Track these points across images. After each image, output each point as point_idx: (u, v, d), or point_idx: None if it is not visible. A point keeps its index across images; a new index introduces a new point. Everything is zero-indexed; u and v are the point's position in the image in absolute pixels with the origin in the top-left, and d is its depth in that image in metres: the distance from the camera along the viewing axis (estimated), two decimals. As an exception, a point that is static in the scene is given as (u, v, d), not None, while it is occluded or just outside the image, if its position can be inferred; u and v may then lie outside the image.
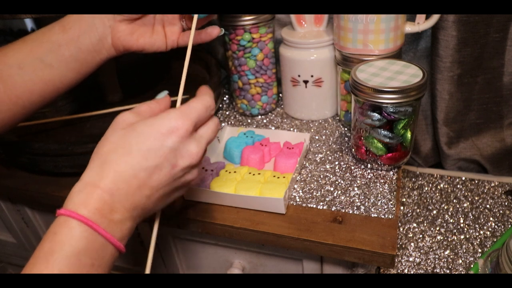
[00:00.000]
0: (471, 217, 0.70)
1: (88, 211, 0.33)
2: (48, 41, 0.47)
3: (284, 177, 0.56)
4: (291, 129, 0.71)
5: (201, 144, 0.38)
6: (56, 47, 0.47)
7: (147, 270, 0.39)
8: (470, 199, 0.73)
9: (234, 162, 0.63)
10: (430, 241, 0.67)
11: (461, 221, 0.70)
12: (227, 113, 0.78)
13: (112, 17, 0.48)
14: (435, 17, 0.60)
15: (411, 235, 0.68)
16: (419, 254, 0.65)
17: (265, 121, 0.75)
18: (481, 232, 0.67)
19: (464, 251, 0.65)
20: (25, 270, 0.32)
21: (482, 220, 0.69)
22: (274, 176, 0.57)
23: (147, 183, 0.36)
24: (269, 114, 0.77)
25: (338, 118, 0.73)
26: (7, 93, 0.46)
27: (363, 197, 0.55)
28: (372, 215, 0.52)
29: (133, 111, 0.39)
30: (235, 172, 0.58)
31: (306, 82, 0.69)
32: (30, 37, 0.48)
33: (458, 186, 0.77)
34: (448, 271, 0.62)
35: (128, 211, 0.36)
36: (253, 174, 0.58)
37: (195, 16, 0.43)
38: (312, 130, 0.71)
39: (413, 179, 0.80)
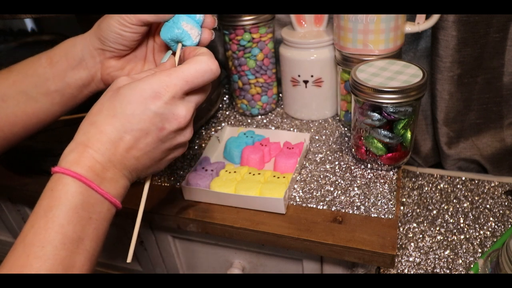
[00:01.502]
0: (471, 217, 0.70)
1: (81, 169, 0.34)
2: (33, 74, 0.46)
3: (284, 177, 0.56)
4: (291, 129, 0.71)
5: (189, 108, 0.38)
6: (42, 81, 0.46)
7: (133, 241, 0.39)
8: (470, 199, 0.73)
9: (234, 162, 0.63)
10: (430, 241, 0.67)
11: (461, 221, 0.70)
12: (227, 113, 0.78)
13: (102, 53, 0.46)
14: (435, 17, 0.60)
15: (411, 235, 0.68)
16: (419, 254, 0.65)
17: (265, 121, 0.75)
18: (481, 232, 0.67)
19: (464, 251, 0.65)
20: (25, 228, 0.33)
21: (482, 220, 0.69)
22: (274, 176, 0.57)
23: (134, 146, 0.36)
24: (269, 114, 0.77)
25: (338, 118, 0.73)
26: None
27: (363, 197, 0.55)
28: (372, 215, 0.52)
29: (131, 75, 0.39)
30: (235, 172, 0.58)
31: (306, 82, 0.69)
32: (15, 67, 0.47)
33: (458, 186, 0.77)
34: (448, 271, 0.62)
35: (120, 171, 0.36)
36: (253, 174, 0.58)
37: (179, 45, 0.43)
38: (312, 130, 0.71)
39: (413, 179, 0.80)
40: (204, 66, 0.38)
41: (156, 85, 0.36)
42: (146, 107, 0.35)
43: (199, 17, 0.42)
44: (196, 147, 0.69)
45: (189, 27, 0.41)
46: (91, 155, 0.35)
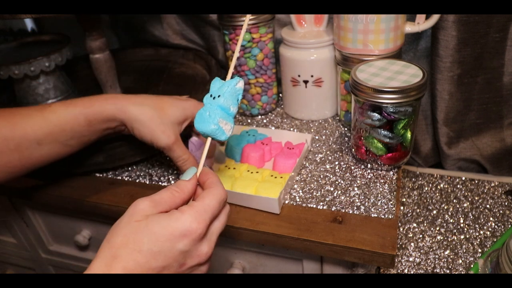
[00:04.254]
0: (471, 217, 0.70)
1: None
2: (71, 130, 0.50)
3: (281, 177, 0.56)
4: (291, 129, 0.71)
5: (212, 241, 0.38)
6: (79, 136, 0.52)
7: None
8: (470, 199, 0.73)
9: (235, 159, 0.64)
10: (430, 241, 0.67)
11: (461, 221, 0.70)
12: (227, 113, 0.78)
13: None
14: (435, 17, 0.60)
15: (411, 235, 0.68)
16: (419, 254, 0.65)
17: (265, 121, 0.75)
18: (481, 232, 0.67)
19: (464, 251, 0.65)
20: None
21: (482, 220, 0.69)
22: (272, 176, 0.57)
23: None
24: (269, 114, 0.77)
25: (338, 118, 0.73)
26: (22, 162, 0.49)
27: (363, 197, 0.55)
28: (372, 215, 0.52)
29: (153, 199, 0.37)
30: (234, 168, 0.59)
31: (306, 82, 0.69)
32: (50, 118, 0.50)
33: (458, 186, 0.76)
34: (448, 271, 0.62)
35: None
36: (251, 172, 0.58)
37: (208, 140, 0.43)
38: (312, 130, 0.71)
39: (413, 179, 0.80)
40: (223, 196, 0.39)
41: (188, 224, 0.35)
42: (174, 245, 0.35)
43: (232, 110, 0.42)
44: (196, 147, 0.69)
45: (224, 123, 0.42)
46: None
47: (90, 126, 0.51)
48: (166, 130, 0.52)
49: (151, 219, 0.35)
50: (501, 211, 0.70)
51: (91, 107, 0.51)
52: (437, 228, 0.69)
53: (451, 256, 0.64)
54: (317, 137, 0.68)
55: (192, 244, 0.36)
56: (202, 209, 0.37)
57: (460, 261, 0.63)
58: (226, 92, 0.41)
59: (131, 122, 0.52)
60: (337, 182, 0.58)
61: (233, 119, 0.43)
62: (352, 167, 0.61)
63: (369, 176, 0.59)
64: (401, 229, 0.70)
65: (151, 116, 0.51)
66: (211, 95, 0.42)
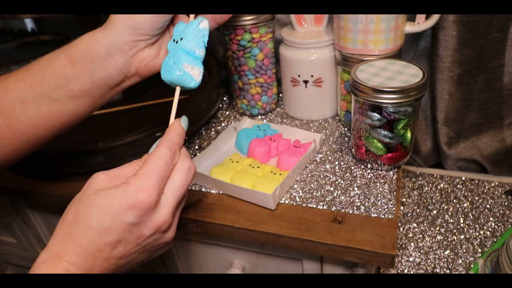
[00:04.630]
0: (471, 217, 0.70)
1: None
2: (52, 75, 0.42)
3: (280, 174, 0.57)
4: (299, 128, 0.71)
5: (168, 206, 0.37)
6: (64, 83, 0.42)
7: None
8: (470, 199, 0.73)
9: (242, 152, 0.65)
10: (430, 241, 0.67)
11: (461, 221, 0.70)
12: (227, 113, 0.78)
13: (135, 44, 0.42)
14: (435, 17, 0.60)
15: (411, 235, 0.68)
16: (419, 254, 0.65)
17: (265, 121, 0.75)
18: (481, 232, 0.67)
19: (464, 251, 0.65)
20: None
21: (482, 220, 0.69)
22: (272, 172, 0.58)
23: (112, 255, 0.35)
24: (269, 114, 0.77)
25: (338, 118, 0.73)
26: (10, 128, 0.43)
27: (363, 197, 0.55)
28: (372, 215, 0.52)
29: (110, 173, 0.37)
30: (237, 162, 0.60)
31: (306, 82, 0.69)
32: (32, 68, 0.43)
33: (458, 186, 0.76)
34: (448, 271, 0.62)
35: (100, 272, 0.35)
36: (253, 167, 0.59)
37: (177, 91, 0.40)
38: (312, 130, 0.71)
39: (413, 179, 0.80)
40: (168, 154, 0.37)
41: (133, 195, 0.34)
42: (124, 219, 0.34)
43: (198, 52, 0.39)
44: (196, 147, 0.69)
45: (190, 68, 0.39)
46: (66, 268, 0.33)
47: (72, 65, 0.42)
48: None
49: (98, 194, 0.35)
50: (501, 211, 0.70)
51: (73, 44, 0.43)
52: (437, 228, 0.69)
53: (451, 256, 0.64)
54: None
55: (143, 215, 0.35)
56: (146, 175, 0.35)
57: (460, 261, 0.63)
58: (188, 33, 0.38)
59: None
60: (337, 182, 0.58)
61: (201, 63, 0.39)
62: (352, 167, 0.61)
63: (369, 176, 0.59)
64: (401, 229, 0.70)
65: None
66: (174, 40, 0.39)
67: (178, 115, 0.43)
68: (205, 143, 0.70)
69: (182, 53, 0.38)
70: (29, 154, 0.47)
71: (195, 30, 0.38)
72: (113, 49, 0.42)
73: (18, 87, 0.42)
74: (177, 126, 0.40)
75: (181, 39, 0.38)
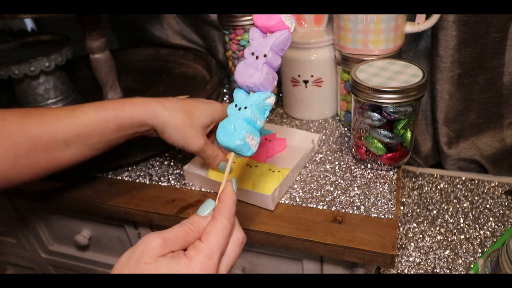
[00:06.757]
0: (471, 217, 0.70)
1: None
2: (100, 133, 0.50)
3: (279, 171, 0.57)
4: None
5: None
6: (107, 140, 0.51)
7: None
8: (470, 199, 0.73)
9: None
10: (430, 241, 0.67)
11: (461, 221, 0.70)
12: (227, 113, 0.78)
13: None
14: (435, 17, 0.60)
15: (411, 235, 0.68)
16: (419, 254, 0.65)
17: (265, 121, 0.75)
18: (481, 232, 0.67)
19: (464, 251, 0.65)
20: None
21: (482, 220, 0.69)
22: (270, 170, 0.57)
23: None
24: (269, 114, 0.77)
25: (338, 118, 0.73)
26: (48, 163, 0.49)
27: (363, 197, 0.55)
28: (372, 215, 0.52)
29: (165, 237, 0.36)
30: (234, 162, 0.60)
31: (306, 82, 0.69)
32: (80, 118, 0.49)
33: (458, 186, 0.76)
34: (448, 271, 0.62)
35: None
36: (250, 166, 0.59)
37: (232, 156, 0.40)
38: (312, 130, 0.71)
39: (413, 179, 0.80)
40: (228, 227, 0.38)
41: (197, 272, 0.35)
42: None
43: (259, 123, 0.39)
44: (196, 147, 0.69)
45: (250, 138, 0.39)
46: None
47: (119, 130, 0.50)
48: (197, 134, 0.52)
49: (160, 263, 0.34)
50: (501, 211, 0.70)
51: (122, 111, 0.50)
52: (437, 228, 0.69)
53: (451, 256, 0.64)
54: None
55: None
56: (209, 251, 0.35)
57: (460, 261, 0.63)
58: (253, 104, 0.38)
59: (162, 127, 0.51)
60: (337, 182, 0.58)
61: (259, 133, 0.39)
62: (352, 167, 0.61)
63: (369, 176, 0.59)
64: (401, 229, 0.70)
65: (182, 121, 0.51)
66: (236, 105, 0.39)
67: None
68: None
69: (244, 123, 0.38)
70: None
71: (260, 103, 0.39)
72: (148, 119, 0.51)
73: (65, 132, 0.48)
74: (232, 192, 0.39)
75: (246, 108, 0.38)
